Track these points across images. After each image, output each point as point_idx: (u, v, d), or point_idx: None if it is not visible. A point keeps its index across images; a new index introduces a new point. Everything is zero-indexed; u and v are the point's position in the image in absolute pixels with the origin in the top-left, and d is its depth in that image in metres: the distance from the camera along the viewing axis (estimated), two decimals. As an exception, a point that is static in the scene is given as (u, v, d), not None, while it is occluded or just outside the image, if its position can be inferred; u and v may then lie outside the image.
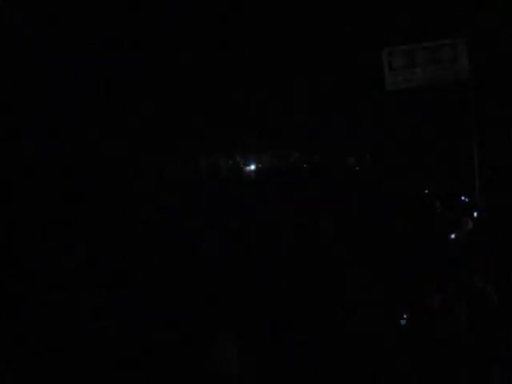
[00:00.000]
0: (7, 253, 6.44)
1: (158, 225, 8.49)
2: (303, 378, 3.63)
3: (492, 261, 5.13)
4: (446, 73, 8.77)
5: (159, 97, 14.94)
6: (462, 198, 10.07)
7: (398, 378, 3.78)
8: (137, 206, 10.57)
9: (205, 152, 18.75)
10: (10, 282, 5.29)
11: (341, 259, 5.07)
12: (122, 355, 3.73)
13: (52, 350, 3.88)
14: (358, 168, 19.44)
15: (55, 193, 9.97)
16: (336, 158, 20.91)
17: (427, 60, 8.83)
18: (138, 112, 14.31)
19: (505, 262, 5.18)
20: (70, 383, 3.64)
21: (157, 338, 3.94)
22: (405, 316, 4.30)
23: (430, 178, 12.97)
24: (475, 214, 7.83)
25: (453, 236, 6.26)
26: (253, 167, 19.88)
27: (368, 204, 9.00)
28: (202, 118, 16.67)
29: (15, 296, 4.93)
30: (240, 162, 19.59)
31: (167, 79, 14.87)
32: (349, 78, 15.18)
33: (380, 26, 12.75)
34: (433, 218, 8.05)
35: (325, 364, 3.68)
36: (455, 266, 5.13)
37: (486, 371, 3.78)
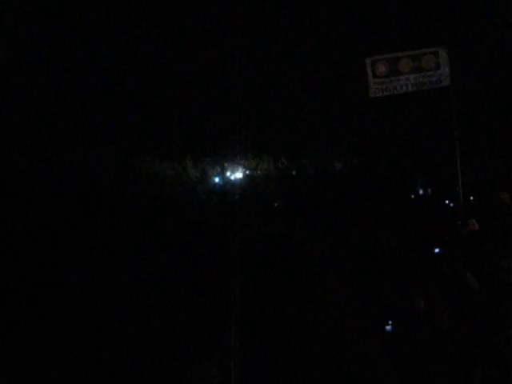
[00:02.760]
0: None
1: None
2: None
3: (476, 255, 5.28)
4: (429, 81, 8.97)
5: (146, 101, 14.98)
6: (447, 202, 10.27)
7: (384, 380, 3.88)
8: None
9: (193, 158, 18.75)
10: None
11: (325, 267, 5.18)
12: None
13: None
14: (344, 173, 19.57)
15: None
16: (323, 163, 21.00)
17: (410, 68, 9.03)
18: (129, 116, 14.35)
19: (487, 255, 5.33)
20: None
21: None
22: (390, 322, 4.42)
23: (416, 181, 13.18)
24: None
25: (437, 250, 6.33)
26: (240, 175, 19.87)
27: (355, 210, 9.14)
28: (190, 122, 16.70)
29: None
30: (227, 168, 19.62)
31: (157, 83, 14.93)
32: (335, 84, 15.36)
33: (364, 34, 12.97)
34: (419, 222, 8.20)
35: (311, 371, 3.77)
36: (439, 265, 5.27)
37: (470, 369, 3.89)
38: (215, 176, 18.77)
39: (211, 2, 14.50)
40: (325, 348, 4.06)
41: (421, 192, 12.61)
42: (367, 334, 4.14)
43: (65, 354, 4.35)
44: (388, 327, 4.40)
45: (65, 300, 5.31)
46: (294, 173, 19.23)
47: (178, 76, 15.55)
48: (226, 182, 18.24)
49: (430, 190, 12.13)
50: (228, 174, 19.09)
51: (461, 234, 6.18)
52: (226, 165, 19.17)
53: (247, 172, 20.10)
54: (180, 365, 3.79)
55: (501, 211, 6.51)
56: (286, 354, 4.05)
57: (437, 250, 6.24)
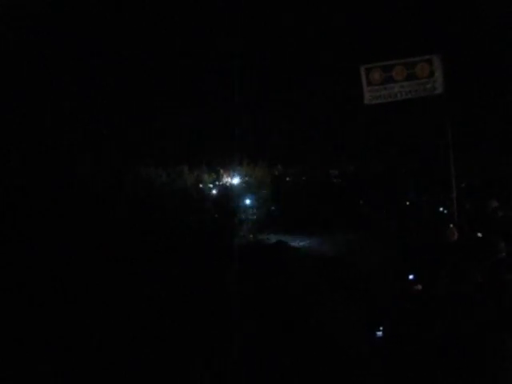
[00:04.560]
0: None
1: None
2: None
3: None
4: (423, 88, 9.03)
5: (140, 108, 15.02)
6: (441, 209, 10.30)
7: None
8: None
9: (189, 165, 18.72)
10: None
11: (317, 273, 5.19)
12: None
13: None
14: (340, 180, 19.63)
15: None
16: (320, 170, 21.05)
17: (404, 76, 9.09)
18: (127, 123, 14.38)
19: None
20: None
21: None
22: (381, 328, 4.42)
23: (409, 188, 13.22)
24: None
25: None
26: (236, 181, 19.87)
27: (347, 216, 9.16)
28: (187, 131, 16.73)
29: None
30: (223, 175, 19.61)
31: (154, 89, 14.97)
32: (331, 93, 15.44)
33: (358, 42, 13.06)
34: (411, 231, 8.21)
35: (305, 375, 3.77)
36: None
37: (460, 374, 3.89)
38: (211, 182, 18.77)
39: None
40: (319, 352, 4.07)
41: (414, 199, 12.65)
42: (359, 339, 4.14)
43: (61, 357, 4.33)
44: (379, 333, 4.41)
45: (64, 303, 5.28)
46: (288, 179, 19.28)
47: (175, 82, 15.62)
48: (222, 188, 18.25)
49: (424, 197, 12.18)
50: (224, 180, 19.10)
51: (445, 241, 6.18)
52: (221, 171, 19.19)
53: (244, 178, 20.10)
54: (174, 369, 3.77)
55: (492, 219, 6.53)
56: (281, 357, 4.06)
57: (429, 257, 6.24)
